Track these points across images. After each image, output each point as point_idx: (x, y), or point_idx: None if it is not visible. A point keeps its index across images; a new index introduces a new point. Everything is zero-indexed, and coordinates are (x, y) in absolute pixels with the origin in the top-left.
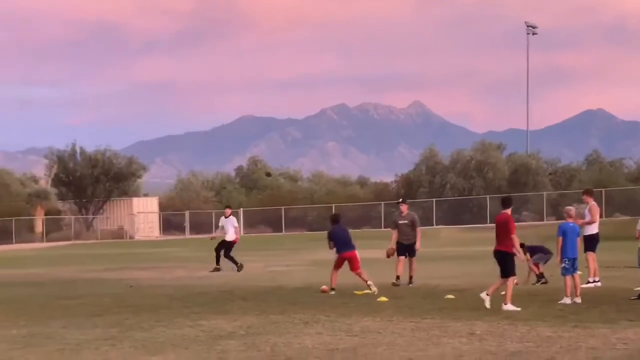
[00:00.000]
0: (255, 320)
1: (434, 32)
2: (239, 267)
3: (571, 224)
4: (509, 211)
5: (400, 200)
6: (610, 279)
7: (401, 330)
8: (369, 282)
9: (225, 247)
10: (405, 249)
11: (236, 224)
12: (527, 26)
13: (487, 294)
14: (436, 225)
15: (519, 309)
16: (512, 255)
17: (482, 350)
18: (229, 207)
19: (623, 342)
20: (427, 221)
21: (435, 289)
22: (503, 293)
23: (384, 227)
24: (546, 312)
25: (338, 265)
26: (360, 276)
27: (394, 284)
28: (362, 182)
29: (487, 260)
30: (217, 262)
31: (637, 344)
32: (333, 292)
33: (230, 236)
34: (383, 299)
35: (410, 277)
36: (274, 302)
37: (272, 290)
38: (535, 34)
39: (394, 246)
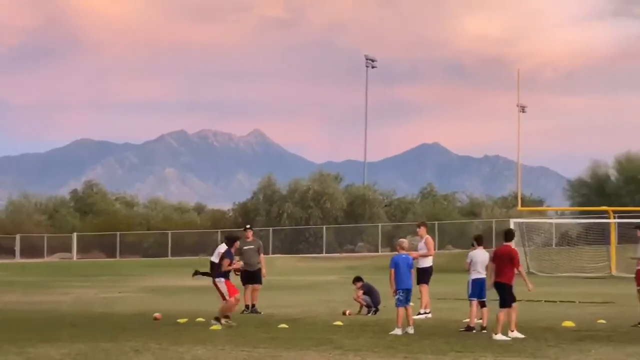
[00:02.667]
0: (85, 347)
1: (275, 60)
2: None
3: (404, 256)
4: (511, 244)
5: (248, 226)
6: (441, 311)
7: (233, 359)
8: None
9: None
10: (251, 276)
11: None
12: (367, 59)
13: (496, 332)
14: (272, 254)
15: (509, 339)
16: (511, 286)
17: None
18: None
19: None
20: (263, 250)
21: (269, 318)
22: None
23: None
24: (377, 343)
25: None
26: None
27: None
28: (200, 209)
29: (322, 290)
30: None
31: None
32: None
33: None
34: (216, 327)
35: (253, 305)
36: (105, 329)
37: (104, 317)
38: (375, 67)
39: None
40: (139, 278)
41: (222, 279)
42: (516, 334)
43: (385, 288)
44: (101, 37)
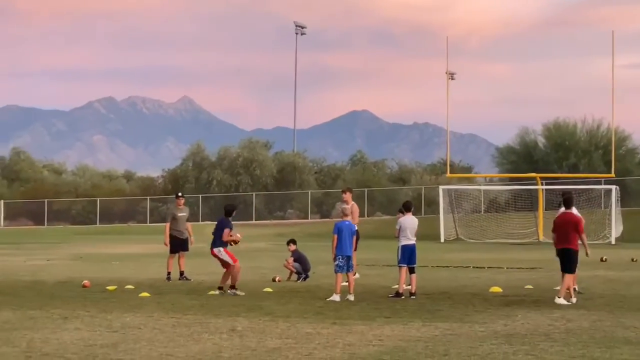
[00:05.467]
0: (12, 315)
1: (204, 26)
2: None
3: (347, 222)
4: (573, 210)
5: (179, 194)
6: (370, 277)
7: (162, 326)
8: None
9: None
10: (180, 243)
11: None
12: (296, 26)
13: (560, 296)
14: (202, 221)
15: (569, 303)
16: (577, 252)
17: (242, 346)
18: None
19: (379, 338)
20: (192, 217)
21: (199, 285)
22: (557, 288)
23: (150, 222)
24: (307, 309)
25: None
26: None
27: (168, 279)
28: (129, 177)
29: (252, 257)
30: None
31: (392, 341)
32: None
33: None
34: (145, 294)
35: (182, 272)
36: (33, 296)
37: (31, 284)
38: (304, 34)
39: (168, 240)
40: (67, 245)
41: (222, 248)
42: (561, 300)
43: (315, 254)
44: (27, 4)
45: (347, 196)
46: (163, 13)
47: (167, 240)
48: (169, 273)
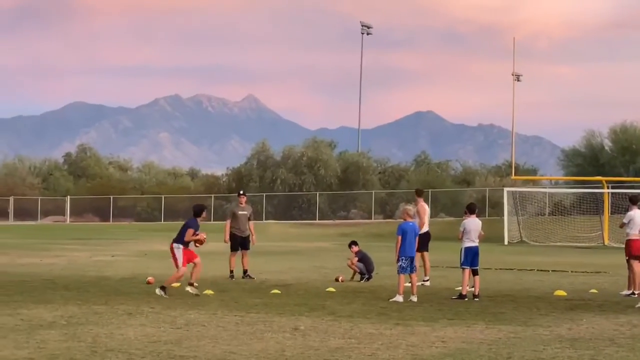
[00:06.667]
0: (78, 310)
1: (269, 26)
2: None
3: (411, 224)
4: None
5: (241, 192)
6: (434, 279)
7: (225, 324)
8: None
9: None
10: (241, 242)
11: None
12: (362, 25)
13: None
14: (265, 220)
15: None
16: None
17: (305, 345)
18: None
19: (442, 340)
20: (256, 216)
21: (262, 284)
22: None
23: (214, 220)
24: (370, 310)
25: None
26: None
27: (231, 277)
28: (193, 174)
29: (315, 256)
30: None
31: (455, 343)
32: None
33: None
34: (209, 292)
35: (246, 271)
36: (98, 292)
37: (96, 280)
38: (370, 33)
39: (228, 237)
40: (132, 242)
41: (180, 246)
42: None
43: (378, 255)
44: (94, 1)
45: (418, 198)
46: (229, 11)
47: (227, 238)
48: (231, 271)
